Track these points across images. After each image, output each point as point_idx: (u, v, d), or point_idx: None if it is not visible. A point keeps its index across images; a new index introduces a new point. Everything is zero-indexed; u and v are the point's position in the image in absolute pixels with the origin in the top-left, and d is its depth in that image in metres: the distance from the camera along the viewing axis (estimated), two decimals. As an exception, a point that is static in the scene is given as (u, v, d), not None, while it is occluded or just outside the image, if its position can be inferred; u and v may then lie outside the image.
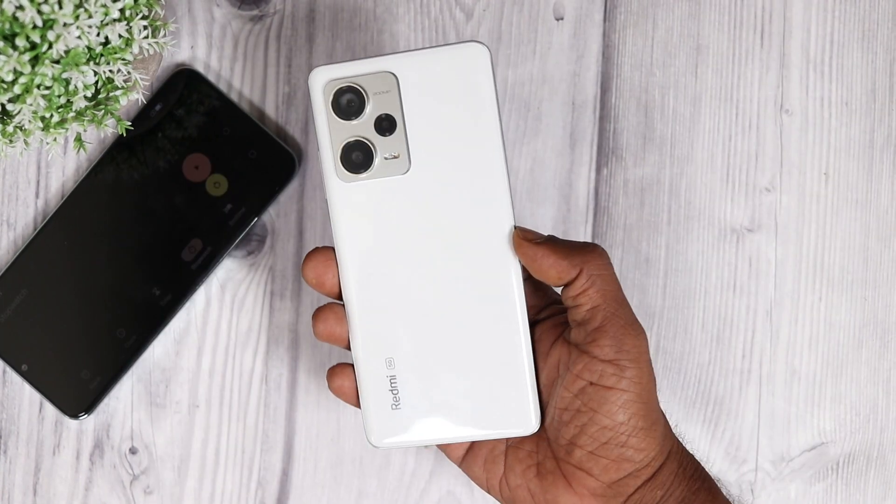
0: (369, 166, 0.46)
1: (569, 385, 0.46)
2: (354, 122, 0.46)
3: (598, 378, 0.45)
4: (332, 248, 0.47)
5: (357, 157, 0.46)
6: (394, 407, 0.48)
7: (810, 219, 0.58)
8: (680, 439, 0.49)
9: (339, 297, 0.48)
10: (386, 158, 0.46)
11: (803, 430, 0.58)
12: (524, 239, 0.46)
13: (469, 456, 0.50)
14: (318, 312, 0.48)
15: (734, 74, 0.58)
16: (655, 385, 0.46)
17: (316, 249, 0.48)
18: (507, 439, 0.49)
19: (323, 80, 0.46)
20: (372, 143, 0.46)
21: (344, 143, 0.46)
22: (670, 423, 0.58)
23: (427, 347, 0.47)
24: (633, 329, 0.46)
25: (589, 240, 0.58)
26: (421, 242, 0.47)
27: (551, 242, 0.46)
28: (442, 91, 0.46)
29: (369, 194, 0.47)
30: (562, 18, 0.58)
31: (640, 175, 0.58)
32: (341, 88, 0.46)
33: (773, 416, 0.58)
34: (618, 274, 0.58)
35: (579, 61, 0.58)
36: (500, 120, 0.46)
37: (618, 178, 0.58)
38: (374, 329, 0.48)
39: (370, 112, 0.46)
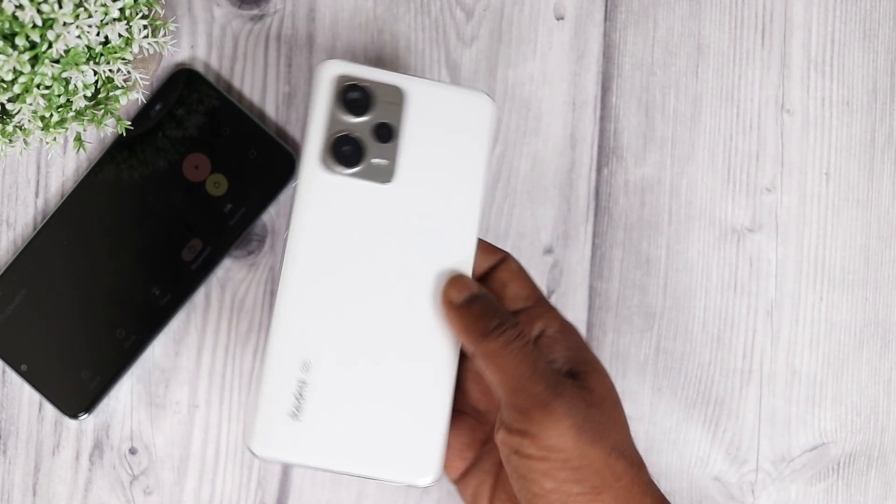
0: (356, 163, 0.46)
1: (499, 449, 0.45)
2: (354, 119, 0.46)
3: (517, 447, 0.44)
4: None
5: (347, 151, 0.46)
6: (293, 416, 0.44)
7: (811, 219, 0.58)
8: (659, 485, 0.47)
9: None
10: (373, 163, 0.46)
11: (804, 431, 0.58)
12: (445, 296, 0.45)
13: (462, 481, 0.49)
14: None
15: (735, 74, 0.58)
16: (598, 444, 0.44)
17: None
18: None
19: (335, 72, 0.47)
20: (365, 144, 0.46)
21: (339, 134, 0.46)
22: (670, 428, 0.58)
23: (351, 367, 0.45)
24: (541, 401, 0.44)
25: (589, 240, 0.58)
26: (377, 258, 0.46)
27: (464, 308, 0.45)
28: (442, 125, 0.47)
29: (345, 192, 0.46)
30: (562, 18, 0.58)
31: (640, 175, 0.58)
32: (353, 85, 0.46)
33: (774, 417, 0.58)
34: (619, 274, 0.58)
35: (580, 61, 0.58)
36: (486, 171, 0.47)
37: (618, 177, 0.58)
38: (300, 326, 0.45)
39: (372, 116, 0.46)
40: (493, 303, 0.46)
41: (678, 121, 0.58)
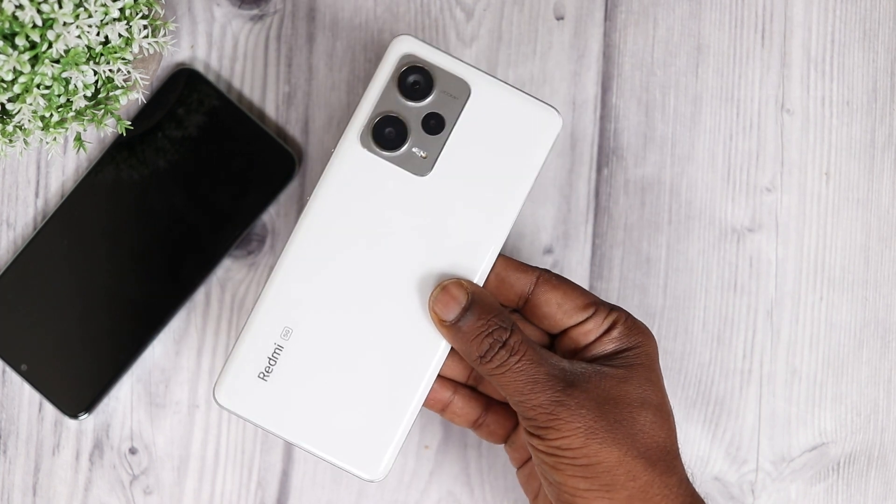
0: (395, 149, 0.45)
1: (531, 452, 0.47)
2: (408, 103, 0.45)
3: (532, 442, 0.45)
4: None
5: (389, 134, 0.45)
6: (261, 376, 0.45)
7: (811, 218, 0.58)
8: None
9: None
10: (413, 152, 0.45)
11: (804, 431, 0.58)
12: (433, 312, 0.45)
13: (522, 469, 0.51)
14: None
15: (735, 74, 0.58)
16: (611, 444, 0.44)
17: None
18: None
19: (404, 50, 0.45)
20: (411, 131, 0.45)
21: (386, 114, 0.45)
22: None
23: (330, 345, 0.45)
24: (544, 409, 0.44)
25: (589, 240, 0.58)
26: (388, 247, 0.45)
27: (453, 329, 0.45)
28: (500, 130, 0.45)
29: (375, 173, 0.45)
30: (562, 18, 0.58)
31: (640, 175, 0.58)
32: (416, 67, 0.45)
33: (774, 416, 0.58)
34: (619, 274, 0.58)
35: (580, 61, 0.58)
36: (532, 187, 0.45)
37: (618, 177, 0.58)
38: (293, 292, 0.45)
39: (427, 104, 0.45)
40: (483, 313, 0.45)
41: (678, 120, 0.58)
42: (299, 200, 0.58)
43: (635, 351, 0.47)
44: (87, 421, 0.57)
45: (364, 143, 0.45)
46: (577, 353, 0.48)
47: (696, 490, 0.47)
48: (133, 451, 0.57)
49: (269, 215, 0.58)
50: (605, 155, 0.58)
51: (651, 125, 0.58)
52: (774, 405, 0.58)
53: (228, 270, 0.58)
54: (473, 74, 0.45)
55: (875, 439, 0.58)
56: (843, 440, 0.58)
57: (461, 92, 0.45)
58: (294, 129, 0.58)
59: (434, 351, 0.46)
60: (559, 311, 0.47)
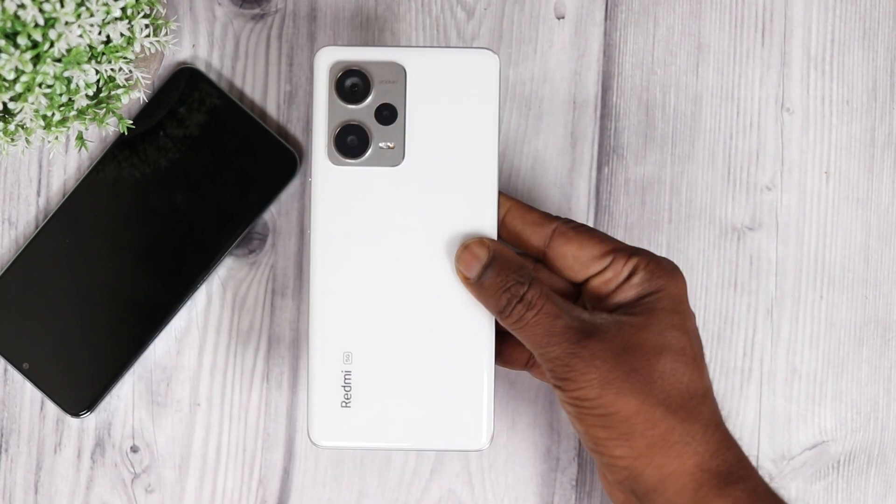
0: (363, 153, 0.46)
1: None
2: (355, 107, 0.46)
3: (557, 393, 0.46)
4: None
5: (352, 142, 0.46)
6: (343, 405, 0.47)
7: (811, 217, 0.58)
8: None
9: None
10: (381, 147, 0.46)
11: (804, 429, 0.58)
12: (458, 273, 0.46)
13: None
14: None
15: (735, 73, 0.58)
16: (628, 393, 0.45)
17: None
18: None
19: (330, 60, 0.46)
20: (369, 130, 0.46)
21: (341, 126, 0.46)
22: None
23: (389, 348, 0.47)
24: (561, 362, 0.45)
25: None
26: (400, 239, 0.47)
27: (476, 286, 0.46)
28: (447, 91, 0.46)
29: (357, 181, 0.47)
30: (563, 17, 0.58)
31: (641, 174, 0.58)
32: (348, 71, 0.46)
33: (774, 415, 0.58)
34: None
35: (580, 60, 0.58)
36: (499, 129, 0.46)
37: (619, 176, 0.58)
38: (336, 319, 0.47)
39: (373, 100, 0.46)
40: (502, 269, 0.46)
41: (678, 120, 0.58)
42: (300, 199, 0.58)
43: (657, 295, 0.47)
44: (89, 419, 0.57)
45: (333, 160, 0.47)
46: (602, 302, 0.48)
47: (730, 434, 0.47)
48: (134, 449, 0.57)
49: (271, 214, 0.58)
50: (606, 154, 0.58)
51: (651, 124, 0.58)
52: (774, 403, 0.58)
53: (230, 269, 0.58)
54: (401, 53, 0.47)
55: (875, 437, 0.58)
56: (843, 438, 0.58)
57: (397, 75, 0.46)
58: (295, 128, 0.58)
59: (485, 312, 0.47)
60: (576, 264, 0.48)
